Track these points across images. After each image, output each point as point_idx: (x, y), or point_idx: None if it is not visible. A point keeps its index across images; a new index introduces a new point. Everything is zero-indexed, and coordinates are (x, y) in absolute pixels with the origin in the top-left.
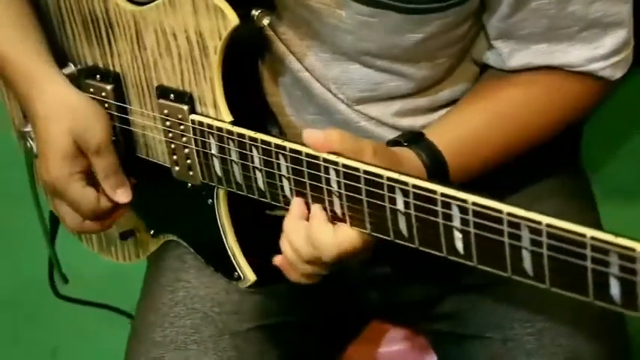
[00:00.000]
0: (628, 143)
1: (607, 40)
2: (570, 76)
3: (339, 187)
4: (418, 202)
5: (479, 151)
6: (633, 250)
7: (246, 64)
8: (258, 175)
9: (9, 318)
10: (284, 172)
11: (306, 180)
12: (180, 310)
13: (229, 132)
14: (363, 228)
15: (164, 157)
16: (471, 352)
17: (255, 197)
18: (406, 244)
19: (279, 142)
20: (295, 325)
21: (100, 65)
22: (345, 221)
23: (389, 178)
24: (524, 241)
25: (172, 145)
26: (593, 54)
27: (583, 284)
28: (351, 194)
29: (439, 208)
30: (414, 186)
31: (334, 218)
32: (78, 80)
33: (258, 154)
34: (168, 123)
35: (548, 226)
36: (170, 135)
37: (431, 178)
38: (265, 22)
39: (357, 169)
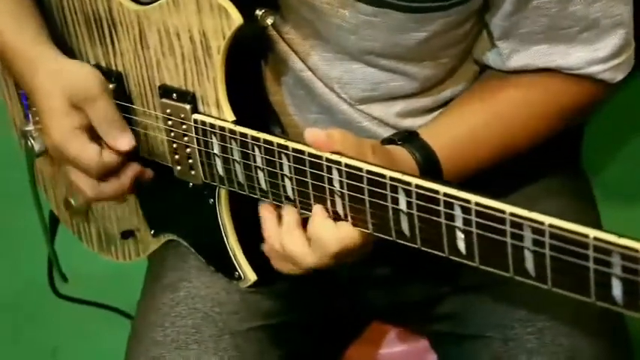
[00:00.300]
0: (628, 146)
1: (607, 42)
2: (570, 78)
3: (342, 187)
4: (421, 202)
5: (474, 152)
6: (636, 250)
7: (250, 64)
8: (261, 174)
9: (9, 318)
10: (286, 171)
11: (308, 180)
12: (182, 310)
13: (232, 131)
14: (365, 228)
15: (166, 156)
16: (472, 352)
17: (257, 197)
18: (408, 244)
19: (281, 141)
20: (296, 325)
21: (103, 64)
22: (347, 221)
23: (392, 178)
24: (526, 242)
25: (174, 145)
26: (593, 56)
27: (585, 285)
28: (354, 194)
29: (442, 208)
30: (417, 186)
31: (336, 218)
32: None
33: (261, 153)
34: (170, 122)
35: (551, 226)
36: (172, 134)
37: (423, 176)
38: (269, 21)
39: (359, 169)
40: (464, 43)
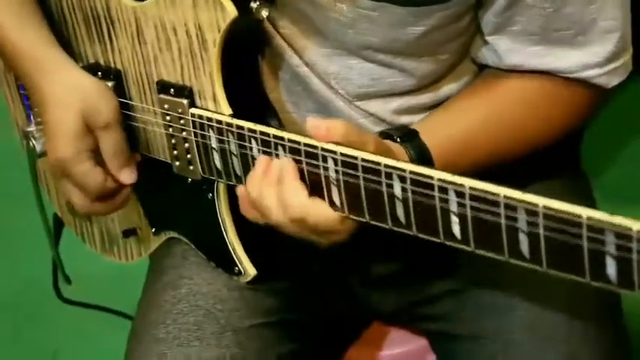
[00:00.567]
0: (628, 148)
1: (602, 46)
2: (565, 82)
3: (338, 176)
4: (415, 188)
5: (468, 152)
6: (629, 228)
7: (246, 58)
8: None
9: (9, 320)
10: None
11: (305, 168)
12: (183, 307)
13: (228, 124)
14: (361, 217)
15: (165, 152)
16: (470, 353)
17: None
18: (404, 231)
19: (277, 132)
20: (297, 324)
21: (102, 62)
22: (343, 211)
23: (386, 165)
24: (520, 223)
25: (173, 140)
26: (588, 60)
27: (579, 265)
28: (349, 183)
29: (436, 193)
30: (411, 172)
31: (332, 207)
32: None
33: (257, 145)
34: (168, 117)
35: (545, 207)
36: (170, 129)
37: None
38: (264, 14)
39: (354, 157)
40: (462, 39)
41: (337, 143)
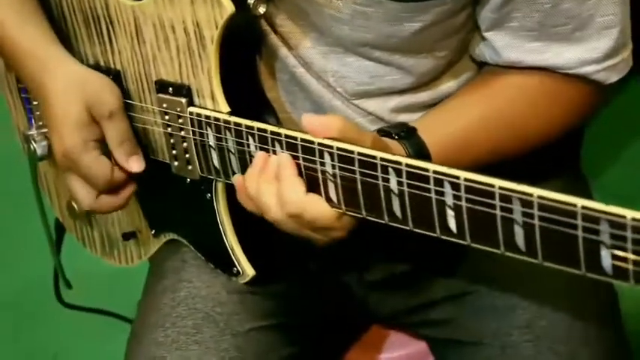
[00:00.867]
0: (628, 149)
1: (600, 42)
2: (564, 78)
3: (334, 171)
4: (411, 181)
5: (467, 150)
6: (623, 217)
7: (244, 56)
8: None
9: (10, 321)
10: None
11: (301, 164)
12: (182, 311)
13: (226, 122)
14: (358, 212)
15: (163, 152)
16: (469, 358)
17: None
18: (400, 225)
19: (274, 129)
20: (296, 327)
21: (102, 63)
22: (340, 207)
23: (382, 159)
24: (515, 215)
25: (171, 140)
26: (587, 56)
27: (575, 256)
28: (346, 177)
29: (432, 186)
30: (407, 165)
31: (329, 202)
32: None
33: (255, 142)
34: (167, 117)
35: (540, 197)
36: (169, 129)
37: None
38: (262, 10)
39: (351, 152)
40: (459, 35)
41: (334, 139)
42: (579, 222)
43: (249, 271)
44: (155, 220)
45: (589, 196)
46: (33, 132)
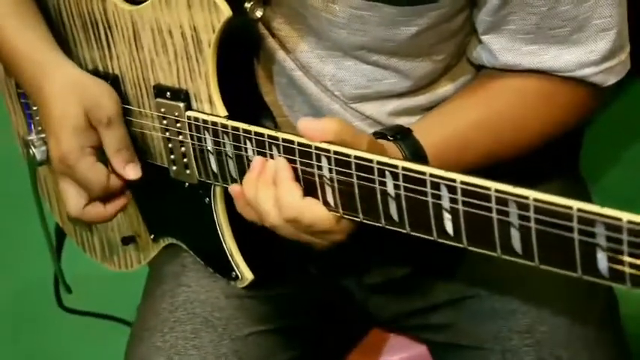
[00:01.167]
0: (627, 152)
1: (598, 44)
2: (562, 81)
3: (331, 175)
4: (408, 185)
5: (464, 152)
6: (619, 219)
7: (241, 60)
8: None
9: (10, 326)
10: None
11: (299, 168)
12: (181, 315)
13: (224, 126)
14: (355, 216)
15: (162, 157)
16: None
17: None
18: (397, 229)
19: (272, 133)
20: (295, 331)
21: (100, 68)
22: (337, 210)
23: (379, 162)
24: (512, 218)
25: (169, 144)
26: (584, 59)
27: (571, 258)
28: (343, 180)
29: (428, 189)
30: (404, 168)
31: (326, 206)
32: None
33: (252, 146)
34: (165, 121)
35: (536, 200)
36: (167, 133)
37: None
38: (259, 14)
39: (348, 155)
40: (456, 39)
41: (331, 142)
42: (575, 224)
43: (248, 276)
44: (154, 225)
45: (588, 199)
46: (32, 137)
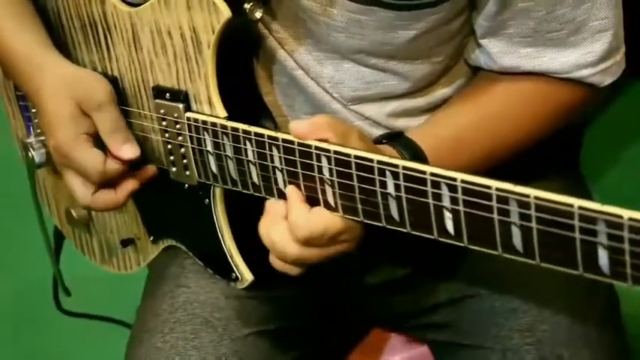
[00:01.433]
0: (628, 152)
1: (595, 45)
2: (559, 83)
3: (331, 175)
4: (408, 184)
5: (460, 153)
6: (621, 217)
7: (241, 61)
8: (253, 169)
9: (9, 327)
10: (277, 163)
11: (299, 170)
12: (181, 316)
13: (223, 127)
14: (355, 216)
15: (161, 158)
16: None
17: (250, 193)
18: (398, 228)
19: (271, 133)
20: (296, 331)
21: (99, 70)
22: (337, 210)
23: (379, 162)
24: (513, 216)
25: (169, 146)
26: (581, 60)
27: (572, 256)
28: (343, 181)
29: (429, 188)
30: (404, 167)
31: (327, 209)
32: None
33: (252, 147)
34: (164, 123)
35: (536, 198)
36: (167, 135)
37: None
38: (258, 15)
39: (348, 155)
40: (455, 42)
41: (323, 139)
42: (576, 222)
43: (248, 277)
44: (154, 227)
45: (589, 197)
46: (31, 140)
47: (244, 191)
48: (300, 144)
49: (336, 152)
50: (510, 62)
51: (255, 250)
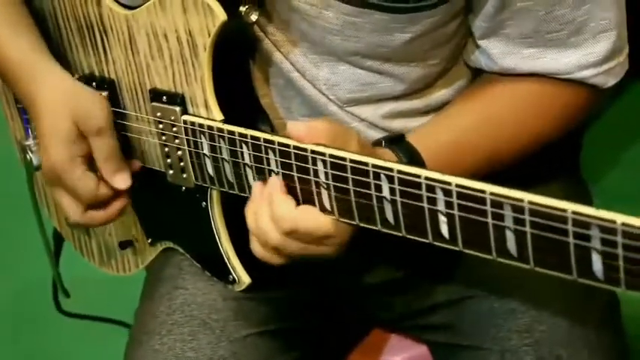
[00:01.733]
0: (628, 153)
1: (596, 46)
2: (561, 83)
3: (327, 178)
4: (403, 188)
5: (460, 156)
6: (614, 222)
7: (237, 64)
8: (249, 172)
9: (9, 328)
10: (273, 166)
11: (294, 173)
12: (179, 318)
13: (220, 130)
14: (351, 219)
15: (158, 161)
16: None
17: (246, 195)
18: (393, 232)
19: (268, 137)
20: (294, 332)
21: (96, 73)
22: (333, 213)
23: (374, 166)
24: (507, 221)
25: (166, 148)
26: (583, 61)
27: (566, 261)
28: (339, 184)
29: (424, 192)
30: (399, 171)
31: (323, 212)
32: None
33: (248, 150)
34: (161, 125)
35: (530, 202)
36: (164, 137)
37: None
38: (253, 17)
39: (343, 159)
40: (451, 44)
41: (320, 143)
42: (570, 227)
43: (245, 279)
44: (151, 229)
45: (589, 201)
46: (30, 142)
47: (241, 194)
48: (295, 147)
49: (331, 156)
50: (511, 63)
51: (252, 253)
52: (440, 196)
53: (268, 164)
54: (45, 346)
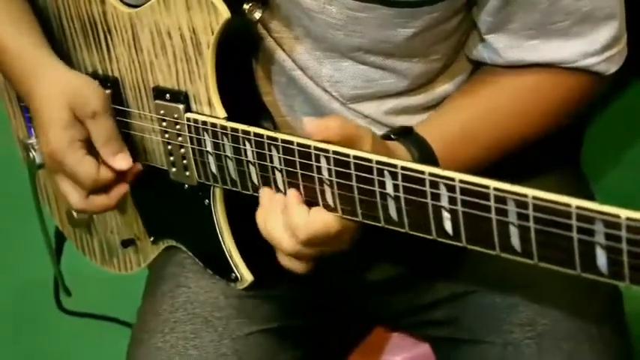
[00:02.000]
0: (629, 152)
1: (600, 34)
2: (564, 72)
3: (330, 175)
4: (407, 184)
5: (467, 146)
6: (618, 216)
7: (240, 61)
8: (252, 169)
9: (10, 326)
10: (276, 163)
11: (298, 170)
12: (181, 316)
13: (223, 127)
14: (354, 216)
15: (161, 159)
16: (471, 357)
17: (249, 193)
18: (396, 229)
19: (271, 134)
20: (296, 330)
21: (100, 71)
22: (336, 211)
23: (378, 162)
24: (511, 216)
25: (169, 146)
26: (587, 49)
27: (570, 256)
28: (342, 181)
29: (427, 189)
30: (403, 167)
31: (326, 209)
32: None
33: (252, 147)
34: (164, 123)
35: (534, 198)
36: (167, 135)
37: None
38: (257, 15)
39: (346, 155)
40: (452, 40)
41: (333, 142)
42: (574, 222)
43: (248, 277)
44: (154, 227)
45: (590, 194)
46: (32, 140)
47: (244, 192)
48: (299, 144)
49: (335, 152)
50: (516, 56)
51: (254, 251)
52: (443, 192)
53: (271, 161)
54: (46, 345)
